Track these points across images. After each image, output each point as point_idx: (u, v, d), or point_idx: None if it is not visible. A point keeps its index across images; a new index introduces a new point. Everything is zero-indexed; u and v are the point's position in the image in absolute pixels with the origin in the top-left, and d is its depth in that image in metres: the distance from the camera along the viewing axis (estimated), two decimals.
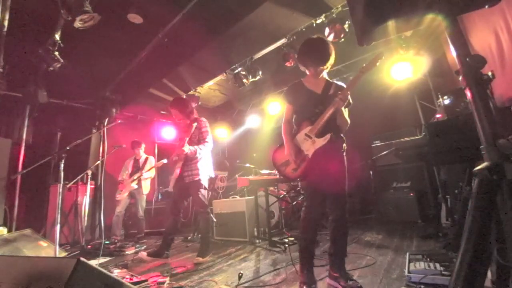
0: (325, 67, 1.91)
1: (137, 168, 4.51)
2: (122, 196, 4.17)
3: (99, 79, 4.61)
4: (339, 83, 2.00)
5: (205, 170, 2.91)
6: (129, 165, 4.59)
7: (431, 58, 3.80)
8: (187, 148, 2.70)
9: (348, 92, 1.81)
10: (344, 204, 1.87)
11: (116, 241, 3.92)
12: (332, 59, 1.91)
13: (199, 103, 5.37)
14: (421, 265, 1.74)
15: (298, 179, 2.00)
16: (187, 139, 2.78)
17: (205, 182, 2.89)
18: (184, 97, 4.81)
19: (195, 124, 2.87)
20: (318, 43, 1.91)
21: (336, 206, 1.88)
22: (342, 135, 1.97)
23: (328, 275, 1.89)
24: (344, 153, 1.94)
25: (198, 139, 2.90)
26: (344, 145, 1.95)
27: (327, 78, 2.03)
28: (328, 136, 1.83)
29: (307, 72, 2.00)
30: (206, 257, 2.75)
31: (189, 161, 2.84)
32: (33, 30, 3.26)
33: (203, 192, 2.87)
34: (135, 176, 4.30)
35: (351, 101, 1.94)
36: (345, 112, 1.94)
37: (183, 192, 2.93)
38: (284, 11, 3.28)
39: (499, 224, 0.71)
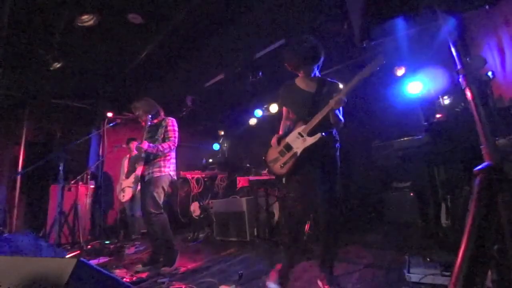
0: (312, 67, 1.91)
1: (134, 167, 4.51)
2: (126, 199, 4.08)
3: (99, 79, 4.61)
4: (332, 80, 1.99)
5: (167, 170, 2.74)
6: (124, 164, 4.56)
7: None
8: (146, 145, 2.55)
9: (345, 94, 1.78)
10: (331, 204, 1.84)
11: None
12: (319, 59, 1.90)
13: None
14: (421, 265, 1.74)
15: (284, 176, 1.99)
16: (145, 136, 2.69)
17: (164, 182, 2.70)
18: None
19: (164, 123, 2.79)
20: (305, 43, 1.89)
21: (324, 206, 1.87)
22: (335, 134, 1.98)
23: (318, 276, 1.88)
24: (338, 152, 1.95)
25: (163, 137, 2.77)
26: (337, 144, 1.96)
27: (319, 76, 2.02)
28: (318, 135, 1.83)
29: (299, 74, 2.00)
30: (174, 264, 2.51)
31: (151, 159, 2.70)
32: (33, 30, 3.25)
33: (159, 192, 2.63)
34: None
35: (345, 99, 1.92)
36: (339, 111, 1.92)
37: None
38: (284, 11, 3.28)
39: (499, 224, 0.71)
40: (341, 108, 1.95)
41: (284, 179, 2.00)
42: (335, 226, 1.85)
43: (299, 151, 1.88)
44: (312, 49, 1.87)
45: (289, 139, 1.95)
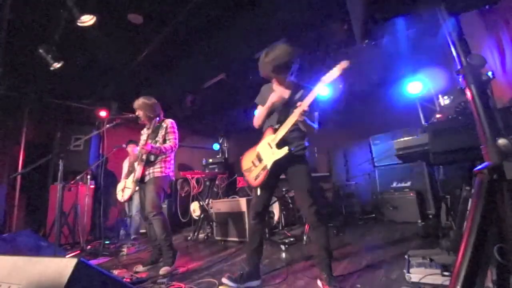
0: (286, 75, 1.87)
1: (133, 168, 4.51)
2: (124, 199, 4.06)
3: (99, 79, 4.61)
4: (307, 85, 1.93)
5: (167, 171, 2.76)
6: (125, 165, 4.55)
7: None
8: (149, 146, 2.58)
9: (308, 105, 1.71)
10: (310, 211, 1.83)
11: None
12: (292, 66, 1.84)
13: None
14: (421, 265, 1.74)
15: (257, 188, 2.02)
16: (148, 136, 2.73)
17: (164, 183, 2.71)
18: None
19: (164, 125, 2.82)
20: (276, 51, 1.82)
21: (305, 215, 1.94)
22: (305, 141, 1.95)
23: (318, 276, 1.88)
24: (305, 159, 1.94)
25: (164, 139, 2.80)
26: (306, 154, 1.95)
27: (295, 81, 1.98)
28: (285, 149, 1.79)
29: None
30: (174, 264, 2.52)
31: (152, 160, 2.73)
32: (33, 30, 3.25)
33: (159, 192, 2.64)
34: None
35: (317, 108, 1.90)
36: (313, 116, 1.89)
37: None
38: (284, 10, 3.28)
39: (499, 224, 0.71)
40: (315, 114, 1.92)
41: (258, 190, 2.03)
42: (322, 228, 1.84)
43: (269, 164, 1.84)
44: (281, 59, 1.80)
45: (260, 148, 1.94)
